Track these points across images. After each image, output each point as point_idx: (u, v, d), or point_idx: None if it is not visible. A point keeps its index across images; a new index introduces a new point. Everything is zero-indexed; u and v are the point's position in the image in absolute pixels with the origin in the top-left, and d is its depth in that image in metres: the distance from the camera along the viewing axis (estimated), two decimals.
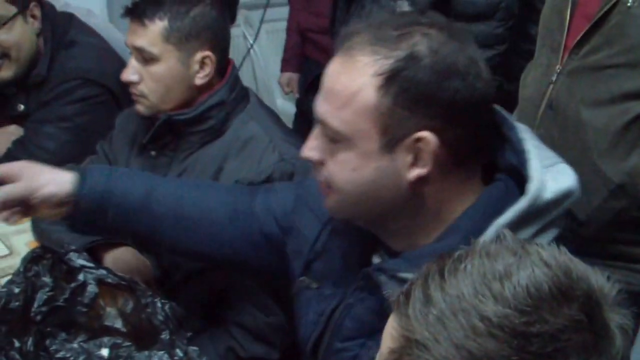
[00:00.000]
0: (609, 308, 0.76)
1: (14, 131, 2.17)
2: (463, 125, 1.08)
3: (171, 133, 1.77)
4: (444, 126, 1.07)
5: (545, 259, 0.76)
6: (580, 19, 1.63)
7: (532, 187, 1.08)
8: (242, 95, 1.81)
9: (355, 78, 1.08)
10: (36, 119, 2.12)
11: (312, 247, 1.32)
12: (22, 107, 2.17)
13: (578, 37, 1.60)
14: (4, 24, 2.06)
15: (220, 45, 1.78)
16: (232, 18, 3.31)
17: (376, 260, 1.24)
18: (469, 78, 1.07)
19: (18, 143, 2.11)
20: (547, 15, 1.76)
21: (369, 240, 1.23)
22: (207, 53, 1.74)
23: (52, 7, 2.23)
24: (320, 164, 1.15)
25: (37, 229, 1.89)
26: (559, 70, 1.65)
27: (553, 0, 1.74)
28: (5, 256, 1.85)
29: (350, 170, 1.11)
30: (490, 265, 0.76)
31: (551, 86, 1.66)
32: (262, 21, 2.88)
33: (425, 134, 1.06)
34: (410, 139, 1.07)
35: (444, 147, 1.07)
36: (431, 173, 1.09)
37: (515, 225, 1.07)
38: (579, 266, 0.77)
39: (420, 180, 1.09)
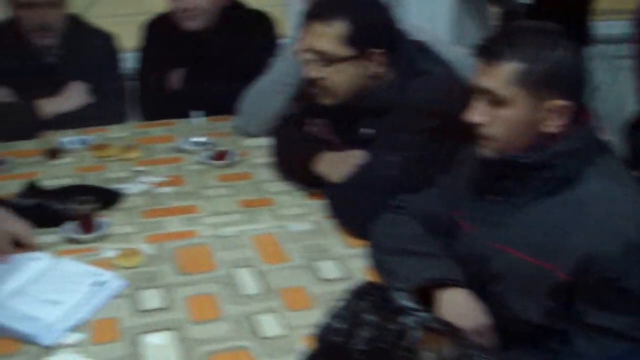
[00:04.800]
0: None
1: (358, 155, 2.18)
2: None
3: (511, 177, 1.67)
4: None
5: None
6: None
7: None
8: (596, 148, 1.65)
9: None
10: (380, 146, 2.13)
11: None
12: (367, 131, 2.19)
13: None
14: (334, 62, 2.11)
15: (577, 92, 1.64)
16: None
17: None
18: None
19: (360, 169, 2.13)
20: None
21: None
22: (562, 102, 1.60)
23: (403, 34, 2.24)
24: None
25: (373, 257, 1.91)
26: None
27: None
28: (342, 279, 1.88)
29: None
30: None
31: None
32: None
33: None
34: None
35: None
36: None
37: None
38: None
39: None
